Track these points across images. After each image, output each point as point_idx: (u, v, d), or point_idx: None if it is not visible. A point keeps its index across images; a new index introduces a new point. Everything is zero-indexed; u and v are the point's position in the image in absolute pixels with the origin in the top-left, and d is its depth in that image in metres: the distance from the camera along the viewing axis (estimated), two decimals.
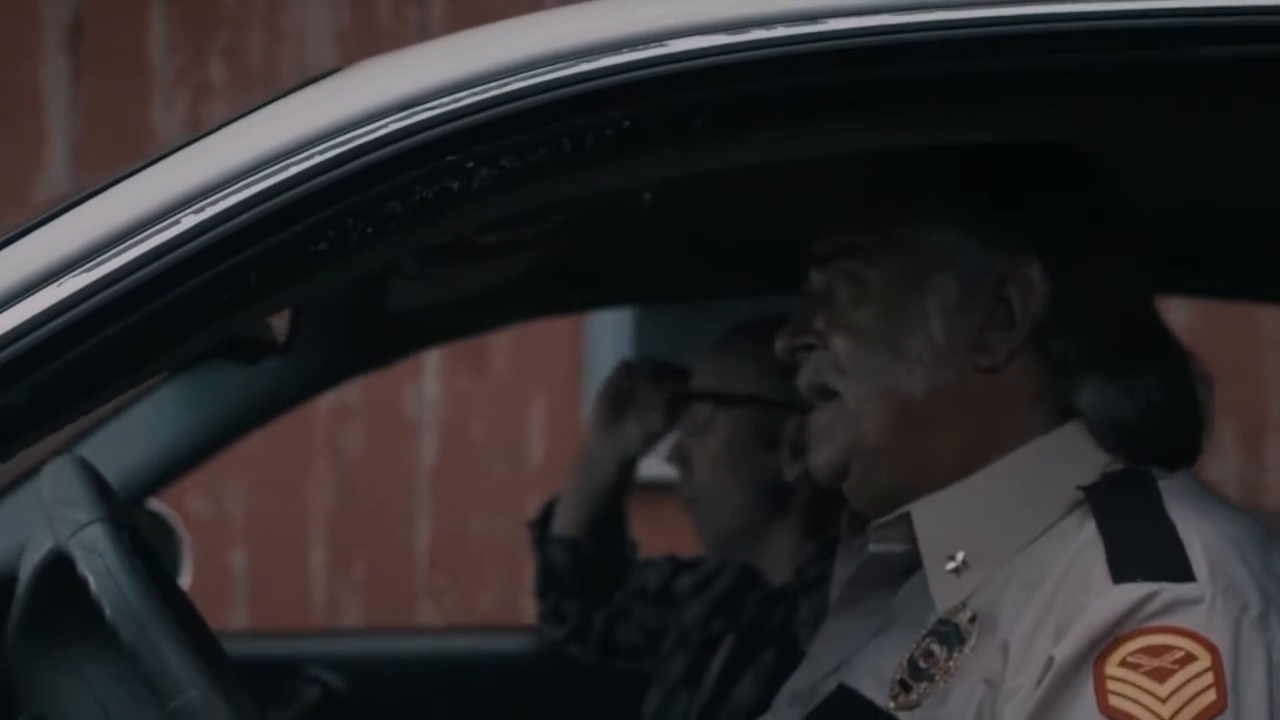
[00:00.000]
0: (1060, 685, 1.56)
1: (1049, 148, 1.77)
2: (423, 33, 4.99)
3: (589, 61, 1.50)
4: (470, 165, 1.48)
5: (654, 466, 5.06)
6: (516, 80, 1.49)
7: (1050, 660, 1.57)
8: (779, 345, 1.84)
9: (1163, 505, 1.65)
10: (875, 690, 1.71)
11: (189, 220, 1.43)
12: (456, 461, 5.03)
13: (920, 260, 1.76)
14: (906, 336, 1.75)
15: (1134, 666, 1.54)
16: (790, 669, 2.43)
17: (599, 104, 1.49)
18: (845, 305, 1.79)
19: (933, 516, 1.73)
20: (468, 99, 1.48)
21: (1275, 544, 1.68)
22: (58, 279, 1.41)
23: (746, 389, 2.63)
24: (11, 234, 1.44)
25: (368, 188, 1.46)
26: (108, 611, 1.61)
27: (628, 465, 2.96)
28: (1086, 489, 1.69)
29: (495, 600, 5.02)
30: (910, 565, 1.77)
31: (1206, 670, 1.53)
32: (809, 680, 1.84)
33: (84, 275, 1.41)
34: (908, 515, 1.74)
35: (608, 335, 5.12)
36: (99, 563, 1.63)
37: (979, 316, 1.74)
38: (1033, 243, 1.74)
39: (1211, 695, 1.53)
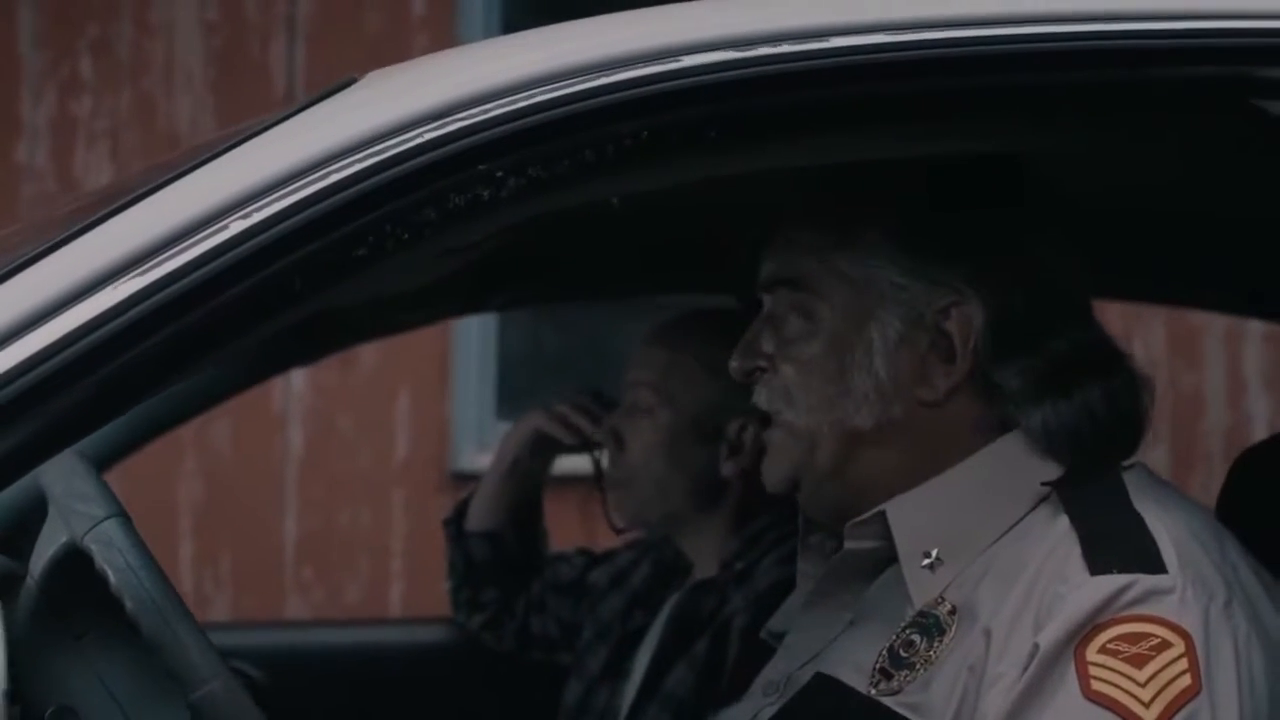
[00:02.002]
0: (1043, 672, 1.64)
1: (985, 171, 1.85)
2: (289, 28, 5.01)
3: (607, 75, 1.56)
4: (500, 174, 1.54)
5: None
6: (542, 92, 1.55)
7: (1035, 649, 1.65)
8: (733, 365, 1.93)
9: (1129, 499, 1.75)
10: (855, 679, 1.79)
11: (236, 225, 1.47)
12: (323, 455, 5.05)
13: (864, 295, 1.83)
14: (852, 373, 1.83)
15: (1113, 653, 1.63)
16: (725, 658, 2.51)
17: (618, 116, 1.56)
18: (795, 336, 1.87)
19: (907, 515, 1.81)
20: (496, 110, 1.54)
21: (1225, 532, 1.79)
22: (113, 282, 1.45)
23: (691, 388, 2.69)
24: (62, 237, 1.48)
25: (406, 195, 1.51)
26: (128, 605, 1.65)
27: (547, 461, 3.05)
28: (1055, 484, 1.78)
29: (362, 592, 5.05)
30: (882, 561, 1.85)
31: (1181, 656, 1.63)
32: (784, 670, 1.90)
33: (138, 279, 1.45)
34: (882, 514, 1.82)
35: (473, 331, 5.17)
36: (119, 557, 1.67)
37: (922, 351, 1.82)
38: (970, 278, 1.81)
39: (1187, 680, 1.62)
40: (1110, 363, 1.86)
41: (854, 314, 1.83)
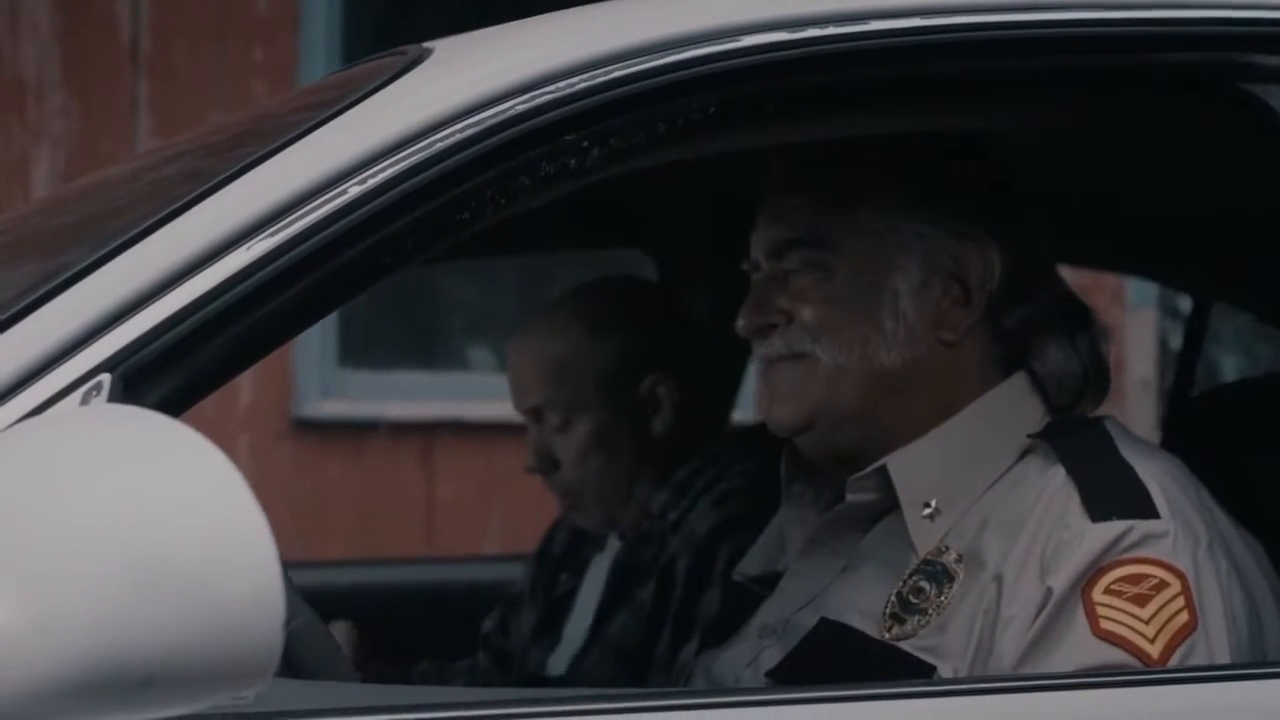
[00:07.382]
0: (1054, 613, 1.78)
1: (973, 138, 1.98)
2: None
3: (676, 53, 1.68)
4: (585, 144, 1.65)
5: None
6: (620, 68, 1.66)
7: (1047, 593, 1.78)
8: (741, 325, 1.98)
9: (1117, 449, 1.89)
10: (862, 623, 1.89)
11: (354, 190, 1.57)
12: None
13: (886, 246, 1.93)
14: (881, 314, 1.92)
15: (1117, 593, 1.77)
16: (669, 603, 2.60)
17: (688, 91, 1.68)
18: (811, 287, 1.94)
19: (907, 468, 1.92)
20: (581, 84, 1.65)
21: (1195, 478, 1.92)
22: (246, 242, 1.54)
23: (588, 379, 2.70)
24: (193, 196, 1.56)
25: (506, 161, 1.62)
26: None
27: None
28: (1046, 436, 1.91)
29: None
30: (878, 512, 1.96)
31: (1178, 595, 1.77)
32: (780, 614, 1.99)
33: (269, 240, 1.54)
34: (882, 467, 1.93)
35: None
36: None
37: (937, 295, 1.93)
38: (987, 225, 1.93)
39: (1185, 616, 1.77)
40: (1083, 311, 2.00)
41: (877, 264, 1.92)
